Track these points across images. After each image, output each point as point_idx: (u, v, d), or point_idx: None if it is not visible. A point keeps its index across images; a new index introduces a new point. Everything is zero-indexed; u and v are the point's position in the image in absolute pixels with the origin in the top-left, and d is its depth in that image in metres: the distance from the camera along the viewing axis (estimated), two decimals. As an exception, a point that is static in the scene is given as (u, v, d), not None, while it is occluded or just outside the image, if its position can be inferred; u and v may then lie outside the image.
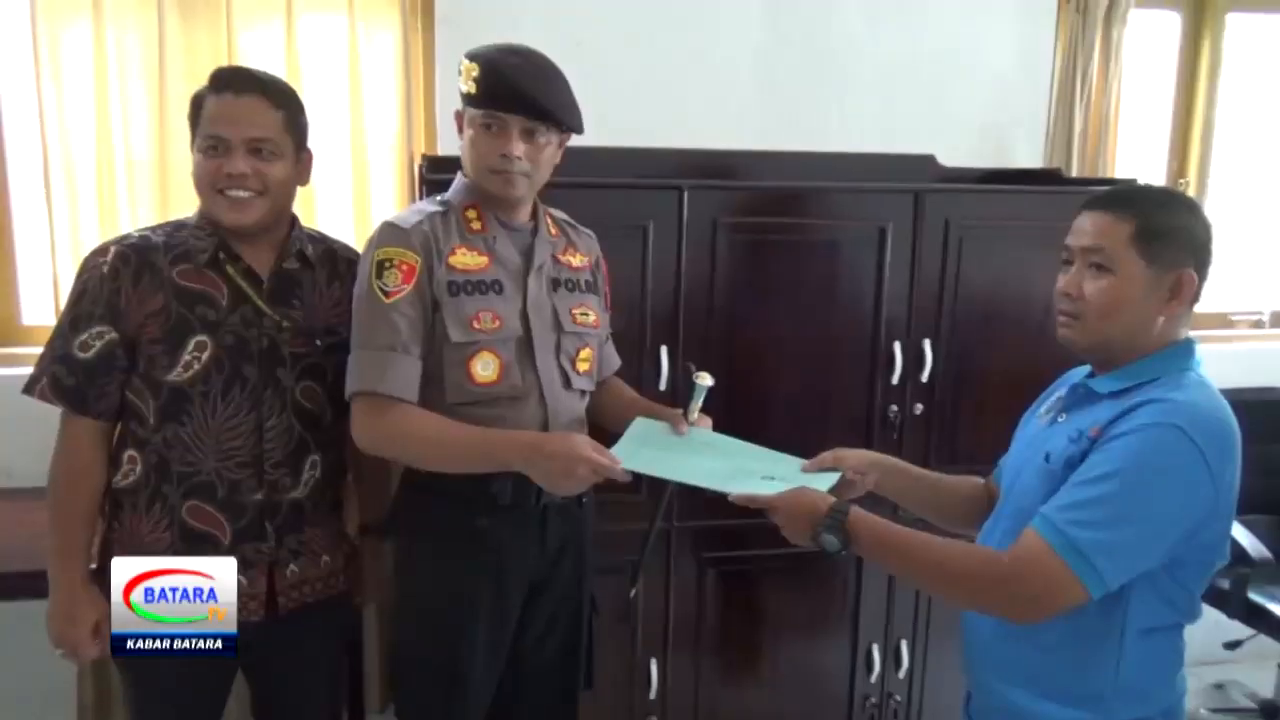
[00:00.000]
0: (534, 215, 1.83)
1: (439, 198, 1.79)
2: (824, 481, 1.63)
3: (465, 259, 1.73)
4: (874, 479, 1.71)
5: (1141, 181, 2.37)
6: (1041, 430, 1.56)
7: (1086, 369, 1.57)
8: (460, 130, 1.77)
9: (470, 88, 1.68)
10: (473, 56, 1.69)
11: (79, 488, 1.70)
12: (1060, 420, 1.53)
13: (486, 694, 1.83)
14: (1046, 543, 1.34)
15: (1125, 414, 1.38)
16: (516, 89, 1.66)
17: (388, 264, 1.68)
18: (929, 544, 1.45)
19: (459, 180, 1.80)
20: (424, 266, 1.69)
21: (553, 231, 1.86)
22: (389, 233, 1.72)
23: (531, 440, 1.64)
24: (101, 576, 1.72)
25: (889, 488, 1.74)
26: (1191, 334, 1.49)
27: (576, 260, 1.87)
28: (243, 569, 1.72)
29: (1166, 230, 1.42)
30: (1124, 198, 1.47)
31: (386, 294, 1.67)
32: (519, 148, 1.69)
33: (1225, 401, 1.42)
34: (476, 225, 1.75)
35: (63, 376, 1.66)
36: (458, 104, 1.74)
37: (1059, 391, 1.61)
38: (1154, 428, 1.34)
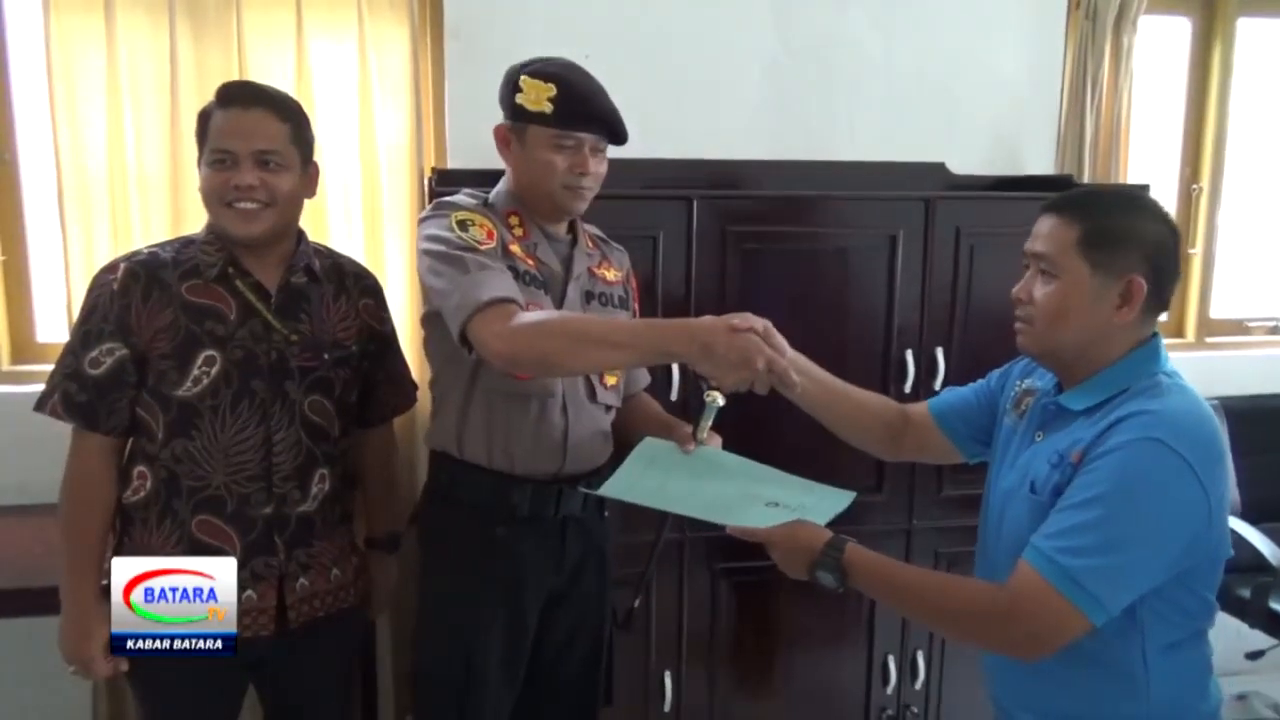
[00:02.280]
0: (572, 227, 1.85)
1: (479, 200, 1.80)
2: (824, 513, 1.60)
3: (519, 250, 1.75)
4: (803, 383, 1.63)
5: (1154, 185, 2.36)
6: (1023, 451, 1.52)
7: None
8: (506, 145, 1.79)
9: (545, 108, 1.70)
10: (544, 76, 1.71)
11: (90, 504, 1.70)
12: (1038, 440, 1.49)
13: (505, 707, 1.83)
14: (1040, 575, 1.31)
15: (1105, 432, 1.35)
16: (595, 109, 1.71)
17: (470, 222, 1.69)
18: (927, 580, 1.44)
19: (502, 187, 1.82)
20: (499, 237, 1.71)
21: (589, 245, 1.87)
22: (457, 204, 1.74)
23: (706, 324, 1.51)
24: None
25: (811, 395, 1.69)
26: (1159, 332, 1.46)
27: (611, 275, 1.89)
28: (252, 583, 1.72)
29: (1115, 235, 1.39)
30: (1075, 202, 1.44)
31: (479, 243, 1.66)
32: (592, 164, 1.73)
33: (1204, 402, 1.39)
34: (519, 231, 1.77)
35: (74, 393, 1.67)
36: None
37: (1029, 393, 1.57)
38: (1136, 444, 1.31)
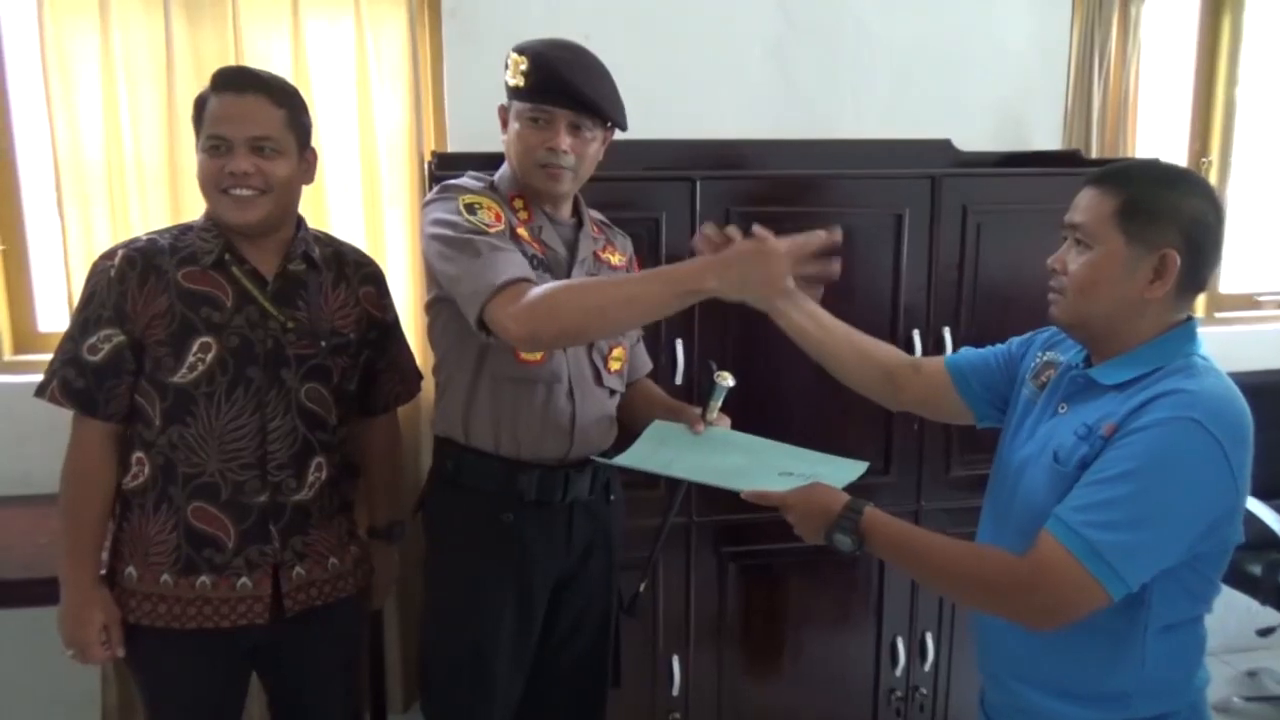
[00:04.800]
0: (576, 211, 1.84)
1: (484, 182, 1.78)
2: (836, 482, 1.58)
3: (525, 234, 1.73)
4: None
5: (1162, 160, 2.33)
6: (1043, 422, 1.50)
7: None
8: (504, 125, 1.77)
9: (518, 81, 1.68)
10: (521, 50, 1.69)
11: (89, 490, 1.70)
12: (1061, 411, 1.47)
13: (513, 692, 1.83)
14: (1065, 547, 1.29)
15: (1140, 408, 1.33)
16: (565, 83, 1.66)
17: (478, 206, 1.68)
18: (945, 547, 1.41)
19: (504, 170, 1.80)
20: (506, 220, 1.69)
21: (594, 229, 1.86)
22: (463, 187, 1.72)
23: (720, 256, 1.55)
24: (112, 579, 1.73)
25: (809, 333, 1.69)
26: (1195, 315, 1.45)
27: (615, 259, 1.87)
28: (247, 571, 1.72)
29: (1152, 208, 1.37)
30: (1116, 174, 1.42)
31: (488, 226, 1.65)
32: (566, 141, 1.69)
33: (1235, 388, 1.38)
34: (524, 215, 1.75)
35: (72, 379, 1.66)
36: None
37: (1051, 366, 1.55)
38: (1173, 422, 1.30)
